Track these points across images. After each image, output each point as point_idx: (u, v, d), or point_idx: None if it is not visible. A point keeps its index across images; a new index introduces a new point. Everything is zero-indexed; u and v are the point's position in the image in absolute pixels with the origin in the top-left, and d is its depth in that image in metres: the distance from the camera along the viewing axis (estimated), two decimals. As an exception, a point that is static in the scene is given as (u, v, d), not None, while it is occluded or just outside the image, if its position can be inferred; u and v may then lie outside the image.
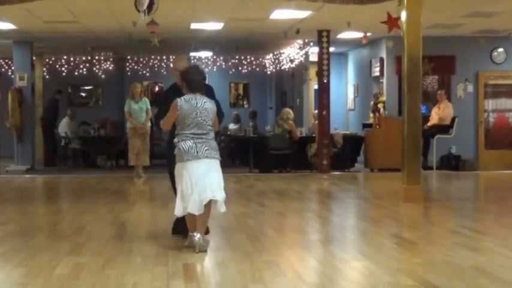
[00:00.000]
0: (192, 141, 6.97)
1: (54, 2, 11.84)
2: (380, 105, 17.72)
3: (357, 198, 12.39)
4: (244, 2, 12.48)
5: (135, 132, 15.37)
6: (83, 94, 24.57)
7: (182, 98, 7.06)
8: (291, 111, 17.39)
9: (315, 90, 20.00)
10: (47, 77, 22.63)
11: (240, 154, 18.50)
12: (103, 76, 23.02)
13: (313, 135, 17.36)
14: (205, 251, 6.94)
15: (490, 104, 18.60)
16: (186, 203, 6.94)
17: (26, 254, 7.02)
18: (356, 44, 19.26)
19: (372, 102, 18.16)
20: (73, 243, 7.57)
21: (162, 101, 7.79)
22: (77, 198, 12.18)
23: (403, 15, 10.89)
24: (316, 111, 17.51)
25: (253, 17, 14.63)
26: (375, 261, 6.60)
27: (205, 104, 7.04)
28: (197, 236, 6.91)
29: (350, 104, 21.48)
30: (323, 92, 16.98)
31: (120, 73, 23.57)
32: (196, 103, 6.99)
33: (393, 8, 11.17)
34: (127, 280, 5.90)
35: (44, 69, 22.46)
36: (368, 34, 16.22)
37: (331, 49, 17.61)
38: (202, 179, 6.94)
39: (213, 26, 15.95)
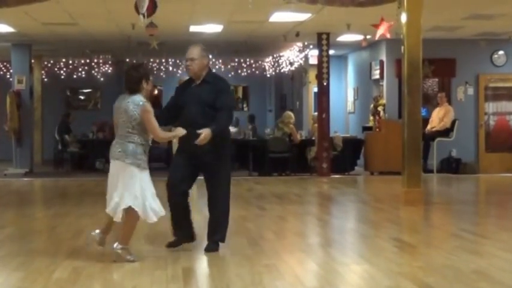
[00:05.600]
0: (115, 141, 6.89)
1: (52, 4, 11.79)
2: (380, 108, 17.70)
3: (357, 202, 12.37)
4: (243, 4, 12.45)
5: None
6: (82, 97, 24.54)
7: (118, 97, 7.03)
8: (292, 114, 17.35)
9: (315, 93, 19.97)
10: (46, 80, 22.64)
11: (239, 157, 18.46)
12: (102, 79, 23.00)
13: (313, 138, 17.33)
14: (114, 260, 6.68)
15: (491, 106, 18.57)
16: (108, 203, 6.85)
17: (24, 257, 6.99)
18: (356, 46, 19.25)
19: (371, 105, 18.14)
20: (72, 247, 7.54)
21: None
22: (75, 202, 12.13)
23: (403, 18, 10.86)
24: (316, 113, 17.49)
25: (252, 19, 14.61)
26: (375, 265, 6.57)
27: (127, 105, 6.77)
28: (95, 231, 6.94)
29: (350, 107, 21.46)
30: (323, 94, 16.96)
31: (119, 76, 23.44)
32: (120, 103, 6.86)
33: (393, 11, 11.15)
34: (126, 284, 5.88)
35: (43, 72, 22.47)
36: (368, 37, 16.19)
37: (331, 52, 17.60)
38: (115, 182, 6.78)
39: (212, 28, 15.93)
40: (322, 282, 6.05)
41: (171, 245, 7.27)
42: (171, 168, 7.38)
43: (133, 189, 6.70)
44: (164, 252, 7.11)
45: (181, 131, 6.95)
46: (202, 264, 6.82)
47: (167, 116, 7.30)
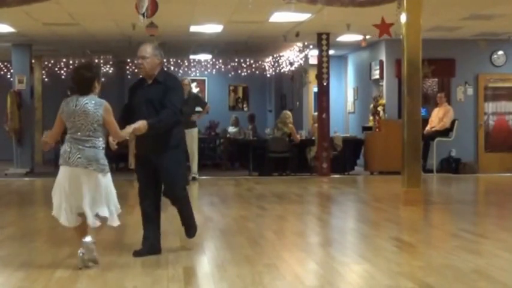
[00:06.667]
0: (68, 145, 6.40)
1: (53, 4, 11.82)
2: (380, 108, 17.72)
3: (356, 201, 12.38)
4: (243, 4, 12.46)
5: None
6: (82, 97, 24.52)
7: (65, 100, 6.54)
8: (290, 114, 17.37)
9: (315, 93, 19.99)
10: (46, 80, 22.63)
11: (240, 157, 18.49)
12: (102, 79, 22.85)
13: (313, 138, 17.34)
14: (87, 265, 6.39)
15: (490, 106, 18.60)
16: (58, 212, 6.45)
17: (25, 257, 7.01)
18: (356, 46, 19.27)
19: (371, 105, 18.16)
20: (72, 247, 7.51)
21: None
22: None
23: (403, 18, 10.88)
24: (316, 113, 17.51)
25: (252, 19, 14.62)
26: (375, 265, 6.59)
27: (86, 106, 6.36)
28: (79, 251, 6.37)
29: (350, 107, 21.48)
30: (323, 95, 16.97)
31: (120, 76, 23.52)
32: (76, 105, 6.38)
33: (393, 11, 11.16)
34: (127, 284, 5.88)
35: (43, 72, 22.47)
36: (368, 37, 16.21)
37: (331, 52, 17.61)
38: (75, 189, 6.36)
39: (212, 28, 15.95)
40: (322, 282, 6.06)
41: (136, 254, 6.99)
42: (138, 179, 7.25)
43: (101, 197, 6.41)
44: (165, 252, 7.11)
45: (130, 128, 6.65)
46: (202, 263, 6.83)
47: (126, 118, 6.98)
